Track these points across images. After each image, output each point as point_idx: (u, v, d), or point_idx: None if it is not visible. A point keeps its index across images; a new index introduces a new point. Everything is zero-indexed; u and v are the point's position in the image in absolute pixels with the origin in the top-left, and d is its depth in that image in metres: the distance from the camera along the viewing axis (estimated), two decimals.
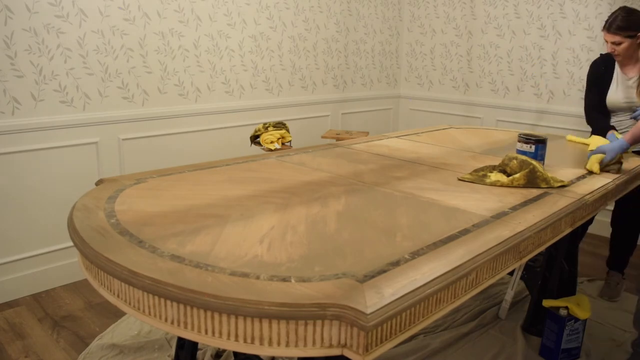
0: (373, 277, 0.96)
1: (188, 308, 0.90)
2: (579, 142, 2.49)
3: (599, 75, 2.58)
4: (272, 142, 2.75)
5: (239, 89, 3.30)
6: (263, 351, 0.88)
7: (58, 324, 2.32)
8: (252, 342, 0.87)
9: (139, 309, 0.96)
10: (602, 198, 1.69)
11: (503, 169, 1.76)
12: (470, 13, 3.92)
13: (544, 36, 3.57)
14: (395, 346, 0.94)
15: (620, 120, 2.53)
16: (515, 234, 1.24)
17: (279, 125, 2.85)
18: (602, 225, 3.28)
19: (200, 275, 0.94)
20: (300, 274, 0.96)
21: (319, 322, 0.86)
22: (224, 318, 0.87)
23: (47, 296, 2.59)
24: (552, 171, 1.87)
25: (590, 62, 2.70)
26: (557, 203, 1.50)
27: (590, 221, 2.51)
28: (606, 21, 2.41)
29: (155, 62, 2.88)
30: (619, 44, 2.37)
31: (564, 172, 1.86)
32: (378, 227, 1.26)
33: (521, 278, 2.32)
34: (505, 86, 3.82)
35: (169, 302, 0.92)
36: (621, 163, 1.96)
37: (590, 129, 2.67)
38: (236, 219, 1.26)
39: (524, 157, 1.73)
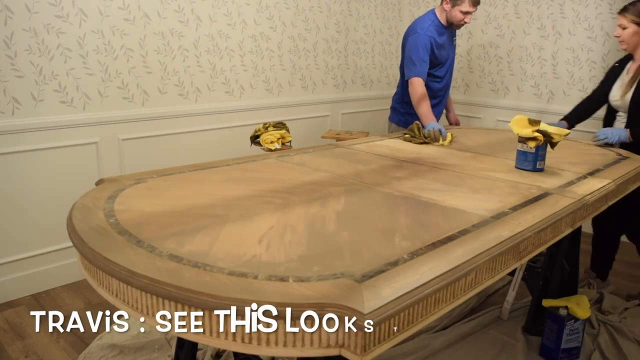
0: (371, 277, 0.96)
1: (186, 308, 0.90)
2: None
3: (611, 70, 2.54)
4: (272, 142, 2.74)
5: (239, 89, 3.30)
6: (261, 351, 0.87)
7: None
8: (250, 342, 0.87)
9: (137, 308, 0.96)
10: (603, 198, 1.69)
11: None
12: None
13: (544, 36, 3.57)
14: (395, 346, 0.94)
15: (618, 121, 2.50)
16: (515, 234, 1.24)
17: (279, 125, 2.84)
18: None
19: (199, 275, 0.94)
20: (299, 274, 0.96)
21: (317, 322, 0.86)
22: (222, 318, 0.87)
23: (47, 296, 2.59)
24: (553, 171, 1.87)
25: (590, 62, 2.70)
26: (557, 203, 1.49)
27: None
28: None
29: (155, 62, 2.88)
30: (625, 28, 2.30)
31: (564, 173, 1.86)
32: (377, 227, 1.26)
33: (522, 279, 2.32)
34: (505, 86, 3.82)
35: (167, 302, 0.91)
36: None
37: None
38: (235, 218, 1.26)
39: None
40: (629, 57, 2.46)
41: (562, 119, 2.65)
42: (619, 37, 2.36)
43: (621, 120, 2.46)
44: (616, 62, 2.53)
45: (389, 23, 4.22)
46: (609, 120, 2.54)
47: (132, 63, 2.79)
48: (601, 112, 2.64)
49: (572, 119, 2.62)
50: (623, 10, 2.33)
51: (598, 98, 2.59)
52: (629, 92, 2.34)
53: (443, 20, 2.69)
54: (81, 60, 2.61)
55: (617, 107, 2.47)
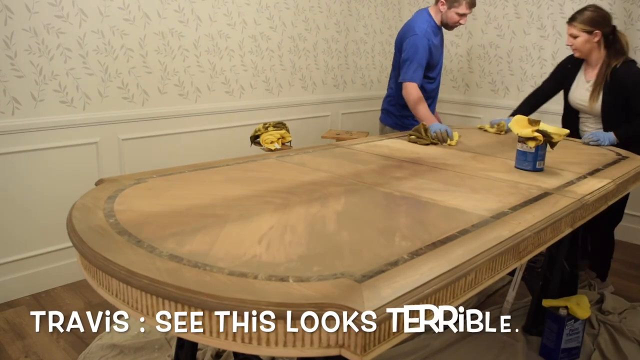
0: (371, 277, 0.96)
1: (186, 308, 0.90)
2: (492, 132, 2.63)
3: (563, 70, 2.61)
4: (272, 142, 2.75)
5: (239, 89, 3.30)
6: (261, 351, 0.87)
7: None
8: (250, 342, 0.87)
9: (137, 308, 0.96)
10: (603, 198, 1.69)
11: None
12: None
13: (544, 36, 3.57)
14: (395, 346, 0.94)
15: (583, 121, 2.58)
16: (515, 234, 1.24)
17: (279, 125, 2.84)
18: None
19: (199, 275, 0.94)
20: (299, 274, 0.96)
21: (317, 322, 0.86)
22: (222, 318, 0.87)
23: (47, 296, 2.59)
24: (552, 171, 1.87)
25: None
26: (557, 203, 1.49)
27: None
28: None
29: (155, 62, 2.88)
30: (576, 37, 2.38)
31: (564, 172, 1.86)
32: (377, 227, 1.26)
33: (522, 279, 2.32)
34: (505, 86, 3.82)
35: (167, 302, 0.91)
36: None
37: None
38: (235, 218, 1.26)
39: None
40: (580, 59, 2.52)
41: (510, 115, 2.72)
42: (571, 45, 2.44)
43: (589, 123, 2.54)
44: (568, 64, 2.59)
45: (389, 23, 4.22)
46: (571, 120, 2.60)
47: (132, 63, 2.79)
48: (550, 106, 2.74)
49: (522, 113, 2.65)
50: (571, 20, 2.40)
51: (547, 93, 2.69)
52: (598, 99, 2.42)
53: (438, 21, 2.69)
54: (81, 60, 2.61)
55: (581, 109, 2.55)
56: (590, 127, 2.53)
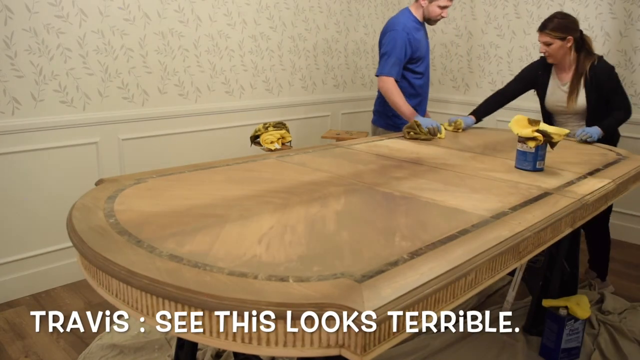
0: (371, 277, 0.96)
1: (186, 308, 0.90)
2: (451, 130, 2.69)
3: (532, 75, 2.66)
4: (272, 142, 2.74)
5: (239, 89, 3.30)
6: (261, 351, 0.87)
7: None
8: (250, 342, 0.87)
9: (137, 308, 0.96)
10: (603, 198, 1.69)
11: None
12: (470, 13, 3.92)
13: None
14: (395, 346, 0.94)
15: (562, 122, 2.63)
16: (515, 234, 1.24)
17: (279, 125, 2.84)
18: None
19: (199, 275, 0.94)
20: (299, 274, 0.96)
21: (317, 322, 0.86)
22: (222, 318, 0.87)
23: (47, 296, 2.59)
24: (552, 171, 1.87)
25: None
26: (557, 203, 1.50)
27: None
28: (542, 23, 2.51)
29: (155, 62, 2.88)
30: (549, 44, 2.45)
31: (564, 172, 1.86)
32: (377, 227, 1.26)
33: (522, 279, 2.32)
34: None
35: (167, 302, 0.91)
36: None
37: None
38: (235, 218, 1.26)
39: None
40: (548, 64, 2.57)
41: (470, 114, 2.79)
42: (544, 53, 2.50)
43: (569, 124, 2.60)
44: (539, 70, 2.64)
45: None
46: (548, 122, 2.65)
47: (132, 63, 2.79)
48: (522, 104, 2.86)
49: (482, 113, 2.78)
50: (543, 28, 2.46)
51: (511, 94, 2.78)
52: (578, 98, 2.49)
53: (419, 17, 2.72)
54: (81, 60, 2.61)
55: (560, 112, 2.61)
56: (573, 126, 2.58)
